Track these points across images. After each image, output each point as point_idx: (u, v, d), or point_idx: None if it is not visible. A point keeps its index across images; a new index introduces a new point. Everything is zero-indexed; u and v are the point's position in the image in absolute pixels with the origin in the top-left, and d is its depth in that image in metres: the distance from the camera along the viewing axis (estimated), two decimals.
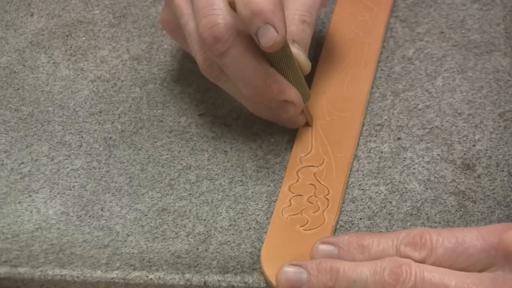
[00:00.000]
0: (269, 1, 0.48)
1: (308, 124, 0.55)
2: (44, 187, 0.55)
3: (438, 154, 0.54)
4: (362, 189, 0.52)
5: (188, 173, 0.55)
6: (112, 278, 0.49)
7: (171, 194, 0.54)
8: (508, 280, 0.41)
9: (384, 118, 0.56)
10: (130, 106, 0.60)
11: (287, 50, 0.51)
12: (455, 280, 0.42)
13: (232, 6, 0.49)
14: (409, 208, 0.51)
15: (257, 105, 0.54)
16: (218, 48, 0.50)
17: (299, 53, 0.53)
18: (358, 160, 0.54)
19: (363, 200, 0.52)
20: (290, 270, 0.45)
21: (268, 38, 0.48)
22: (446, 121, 0.56)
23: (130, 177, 0.55)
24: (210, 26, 0.49)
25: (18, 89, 0.62)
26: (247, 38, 0.51)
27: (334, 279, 0.44)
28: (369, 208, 0.51)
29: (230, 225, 0.51)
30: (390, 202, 0.51)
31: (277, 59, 0.52)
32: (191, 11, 0.52)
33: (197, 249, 0.50)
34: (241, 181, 0.54)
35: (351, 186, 0.53)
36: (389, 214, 0.51)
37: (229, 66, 0.51)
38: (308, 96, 0.54)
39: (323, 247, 0.46)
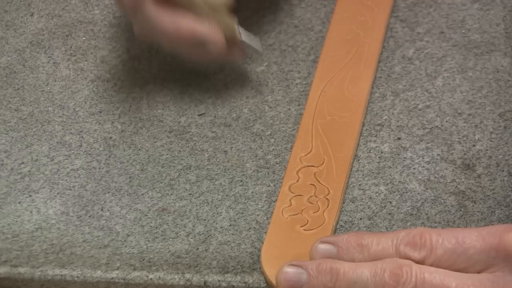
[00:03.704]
0: None
1: (257, 53, 0.57)
2: (44, 187, 0.55)
3: (438, 154, 0.54)
4: (362, 189, 0.52)
5: (188, 173, 0.55)
6: (112, 278, 0.49)
7: (171, 194, 0.54)
8: (508, 281, 0.41)
9: (384, 118, 0.56)
10: (130, 106, 0.60)
11: None
12: (455, 281, 0.42)
13: None
14: (409, 208, 0.51)
15: (185, 51, 0.56)
16: (131, 6, 0.54)
17: None
18: (358, 160, 0.54)
19: (363, 200, 0.52)
20: (290, 270, 0.45)
21: None
22: (446, 121, 0.56)
23: (130, 177, 0.55)
24: None
25: (18, 89, 0.62)
26: None
27: (334, 280, 0.44)
28: (369, 208, 0.51)
29: (230, 225, 0.51)
30: (390, 202, 0.52)
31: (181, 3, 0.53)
32: None
33: (197, 249, 0.50)
34: (241, 181, 0.54)
35: (351, 186, 0.53)
36: (389, 214, 0.51)
37: (143, 22, 0.54)
38: (232, 29, 0.54)
39: (322, 246, 0.46)
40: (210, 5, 0.54)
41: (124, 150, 0.57)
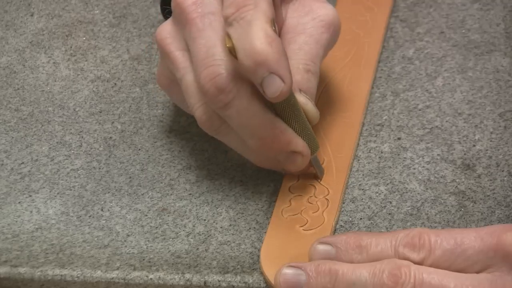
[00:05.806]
0: (273, 50, 0.45)
1: (317, 177, 0.52)
2: (44, 187, 0.55)
3: (438, 154, 0.54)
4: (362, 189, 0.52)
5: (188, 173, 0.55)
6: (112, 278, 0.49)
7: (171, 194, 0.54)
8: (506, 281, 0.42)
9: (384, 118, 0.57)
10: (130, 106, 0.60)
11: (290, 100, 0.49)
12: (454, 282, 0.42)
13: (233, 52, 0.46)
14: (409, 208, 0.51)
15: (262, 157, 0.51)
16: (221, 99, 0.47)
17: (307, 102, 0.50)
18: (358, 160, 0.54)
19: (363, 200, 0.52)
20: (288, 272, 0.45)
21: (275, 88, 0.46)
22: (446, 121, 0.56)
23: (130, 177, 0.55)
24: (212, 77, 0.47)
25: (18, 89, 0.62)
26: (252, 88, 0.48)
27: (333, 281, 0.44)
28: (369, 208, 0.51)
29: (230, 225, 0.51)
30: (390, 202, 0.52)
31: (282, 108, 0.49)
32: (188, 63, 0.50)
33: (197, 249, 0.50)
34: (241, 181, 0.54)
35: (351, 186, 0.53)
36: (389, 214, 0.51)
37: (234, 118, 0.48)
38: (317, 147, 0.51)
39: (321, 247, 0.46)
40: (307, 122, 0.51)
41: (124, 150, 0.57)
